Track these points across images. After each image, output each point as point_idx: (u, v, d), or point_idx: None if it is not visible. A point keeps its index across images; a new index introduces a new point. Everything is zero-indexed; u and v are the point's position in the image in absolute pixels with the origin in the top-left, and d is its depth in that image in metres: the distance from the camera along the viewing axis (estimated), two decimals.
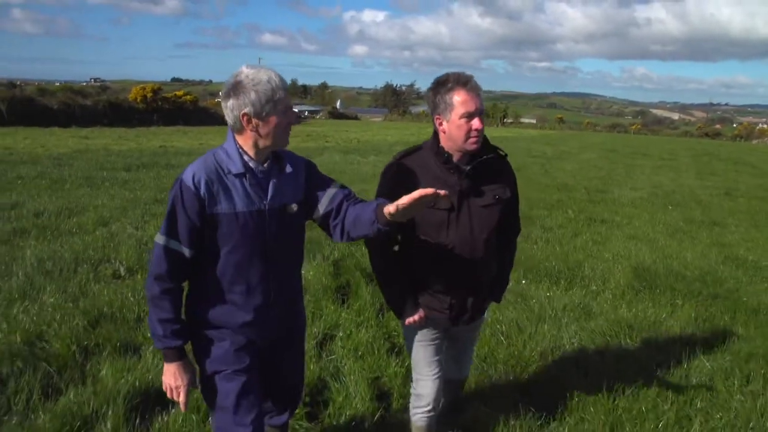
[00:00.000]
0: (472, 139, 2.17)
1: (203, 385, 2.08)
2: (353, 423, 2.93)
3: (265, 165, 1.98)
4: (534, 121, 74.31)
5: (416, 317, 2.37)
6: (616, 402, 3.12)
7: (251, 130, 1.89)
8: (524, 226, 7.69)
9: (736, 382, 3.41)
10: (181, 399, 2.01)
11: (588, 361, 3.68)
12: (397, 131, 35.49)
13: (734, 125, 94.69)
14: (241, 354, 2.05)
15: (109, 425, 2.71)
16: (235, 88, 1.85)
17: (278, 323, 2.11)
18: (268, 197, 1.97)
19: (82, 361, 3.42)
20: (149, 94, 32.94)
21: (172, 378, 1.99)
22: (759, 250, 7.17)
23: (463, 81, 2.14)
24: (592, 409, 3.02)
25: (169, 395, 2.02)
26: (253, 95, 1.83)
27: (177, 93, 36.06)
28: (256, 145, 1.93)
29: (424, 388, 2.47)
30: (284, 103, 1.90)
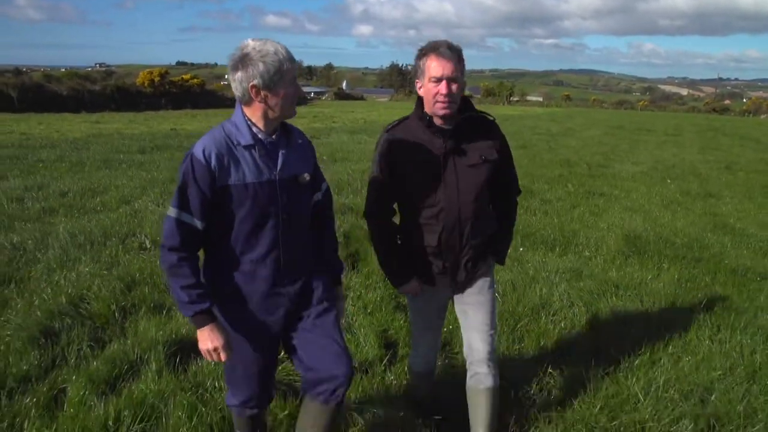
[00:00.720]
0: (439, 104, 2.24)
1: None
2: (364, 367, 3.33)
3: (274, 136, 2.01)
4: (540, 99, 73.93)
5: (412, 288, 2.47)
6: (596, 345, 3.51)
7: (260, 102, 1.92)
8: (524, 199, 8.10)
9: (707, 332, 3.78)
10: (223, 359, 2.01)
11: (574, 315, 4.06)
12: (403, 111, 35.33)
13: (744, 100, 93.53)
14: (255, 325, 2.08)
15: (153, 367, 3.12)
16: (243, 60, 1.86)
17: (293, 290, 2.12)
18: (278, 168, 1.99)
19: (121, 319, 3.83)
20: (157, 79, 33.32)
21: (208, 341, 1.98)
22: (748, 219, 7.49)
23: (435, 47, 2.23)
24: (575, 351, 3.41)
25: (209, 359, 2.02)
26: (261, 67, 1.85)
27: (184, 77, 36.39)
28: (265, 116, 1.95)
29: (421, 352, 2.67)
30: (291, 74, 1.92)
